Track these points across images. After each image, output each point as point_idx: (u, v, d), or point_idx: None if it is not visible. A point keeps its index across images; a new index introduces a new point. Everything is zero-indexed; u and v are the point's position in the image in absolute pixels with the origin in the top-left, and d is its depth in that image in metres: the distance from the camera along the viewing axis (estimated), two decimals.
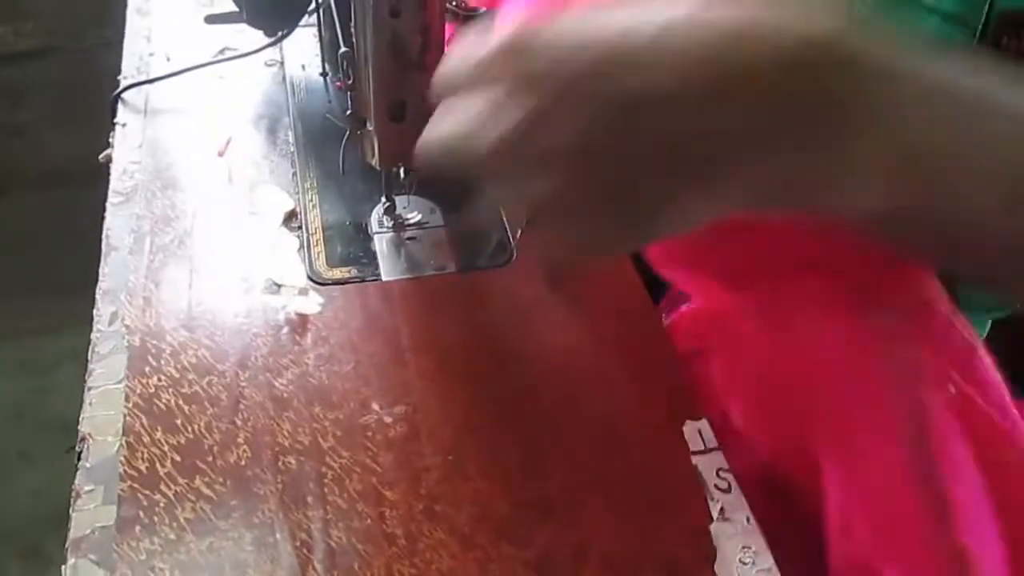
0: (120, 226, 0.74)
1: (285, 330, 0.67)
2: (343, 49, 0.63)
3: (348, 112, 0.67)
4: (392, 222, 0.74)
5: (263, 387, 0.62)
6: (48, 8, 1.44)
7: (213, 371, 0.63)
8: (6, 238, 1.60)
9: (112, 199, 0.76)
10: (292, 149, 0.83)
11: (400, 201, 0.74)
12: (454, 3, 1.01)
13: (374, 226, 0.74)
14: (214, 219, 0.75)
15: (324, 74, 0.90)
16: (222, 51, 0.92)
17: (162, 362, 0.63)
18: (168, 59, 0.92)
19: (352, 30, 0.62)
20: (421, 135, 0.38)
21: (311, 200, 0.77)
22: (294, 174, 0.80)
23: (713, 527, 0.56)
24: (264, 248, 0.73)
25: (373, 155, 0.68)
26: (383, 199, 0.73)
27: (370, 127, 0.66)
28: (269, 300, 0.69)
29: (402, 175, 0.71)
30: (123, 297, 0.68)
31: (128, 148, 0.81)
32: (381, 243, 0.73)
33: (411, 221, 0.74)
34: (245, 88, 0.90)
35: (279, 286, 0.70)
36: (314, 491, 0.57)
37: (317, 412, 0.61)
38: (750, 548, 0.55)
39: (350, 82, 0.65)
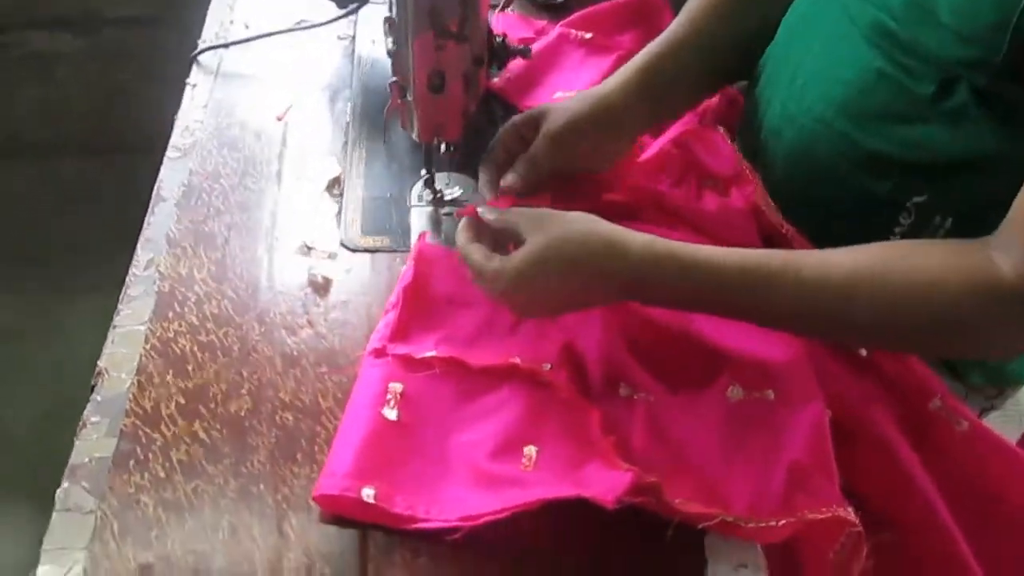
0: (172, 179, 0.76)
1: (308, 291, 0.67)
2: (387, 14, 0.63)
3: (391, 80, 0.67)
4: (431, 196, 0.73)
5: (276, 343, 0.63)
6: None
7: (231, 323, 0.64)
8: (108, 196, 1.69)
9: (170, 153, 0.79)
10: (348, 119, 0.83)
11: (441, 177, 0.74)
12: None
13: (413, 200, 0.74)
14: (261, 180, 0.76)
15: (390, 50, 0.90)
16: (299, 22, 0.94)
17: (186, 309, 0.65)
18: (247, 26, 0.94)
19: None
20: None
21: (357, 169, 0.78)
22: (345, 143, 0.81)
23: None
24: (304, 211, 0.74)
25: (413, 127, 0.68)
26: (423, 171, 0.73)
27: (410, 97, 0.66)
28: (299, 260, 0.69)
29: (443, 149, 0.70)
30: (162, 244, 0.69)
31: (194, 107, 0.84)
32: (419, 216, 0.73)
33: (450, 197, 0.73)
34: (315, 59, 0.91)
35: (310, 248, 0.70)
36: (305, 449, 0.57)
37: (322, 373, 0.61)
38: None
39: (394, 49, 0.64)
